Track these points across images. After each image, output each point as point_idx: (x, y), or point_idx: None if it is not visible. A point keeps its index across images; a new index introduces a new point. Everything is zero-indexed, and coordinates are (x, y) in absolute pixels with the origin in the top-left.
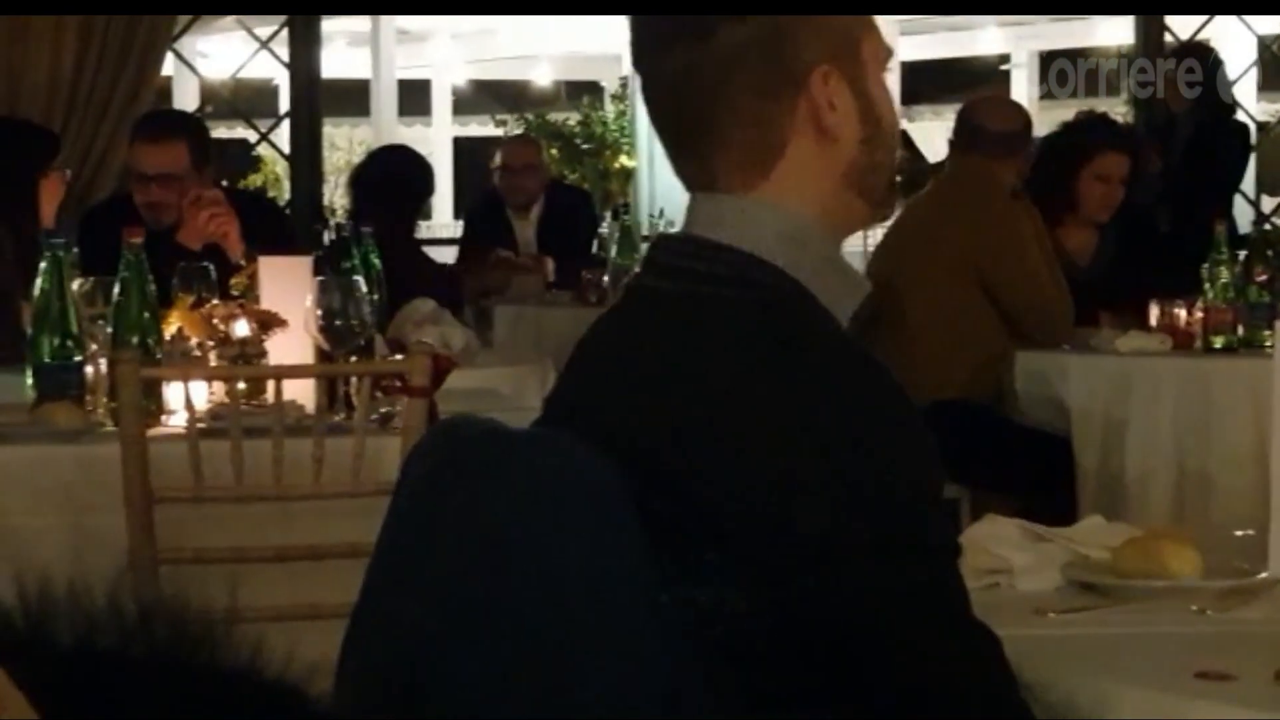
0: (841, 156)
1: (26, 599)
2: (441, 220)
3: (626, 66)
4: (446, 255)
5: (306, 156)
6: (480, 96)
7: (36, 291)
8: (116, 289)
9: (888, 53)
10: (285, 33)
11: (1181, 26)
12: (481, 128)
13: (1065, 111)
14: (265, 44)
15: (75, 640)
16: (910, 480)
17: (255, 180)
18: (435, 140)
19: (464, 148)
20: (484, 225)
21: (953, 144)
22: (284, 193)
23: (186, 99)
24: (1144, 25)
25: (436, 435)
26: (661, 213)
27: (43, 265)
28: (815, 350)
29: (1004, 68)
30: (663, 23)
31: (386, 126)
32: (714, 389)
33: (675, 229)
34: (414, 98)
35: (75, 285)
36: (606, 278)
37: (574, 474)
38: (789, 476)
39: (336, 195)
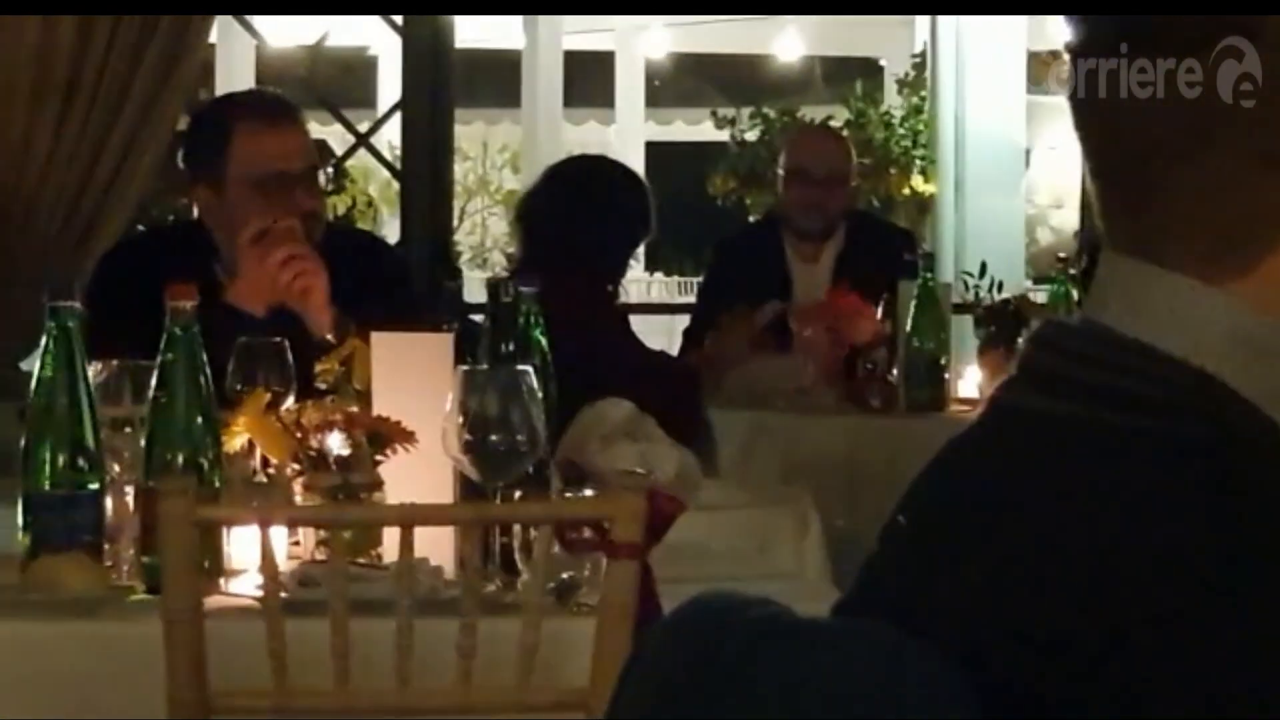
0: None
1: None
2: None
3: (921, 39)
4: (653, 332)
5: (428, 171)
6: (690, 79)
7: (33, 383)
8: (154, 380)
9: None
10: None
11: None
12: (691, 126)
13: None
14: None
15: None
16: None
17: (338, 204)
18: (618, 146)
19: (661, 157)
20: (743, 270)
21: None
22: (381, 225)
23: (237, 76)
24: None
25: (677, 629)
26: (984, 269)
27: (43, 344)
28: None
29: None
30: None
31: (545, 123)
32: (1134, 579)
33: (1004, 296)
34: (588, 80)
35: (90, 373)
36: (895, 370)
37: (914, 698)
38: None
39: (464, 233)
